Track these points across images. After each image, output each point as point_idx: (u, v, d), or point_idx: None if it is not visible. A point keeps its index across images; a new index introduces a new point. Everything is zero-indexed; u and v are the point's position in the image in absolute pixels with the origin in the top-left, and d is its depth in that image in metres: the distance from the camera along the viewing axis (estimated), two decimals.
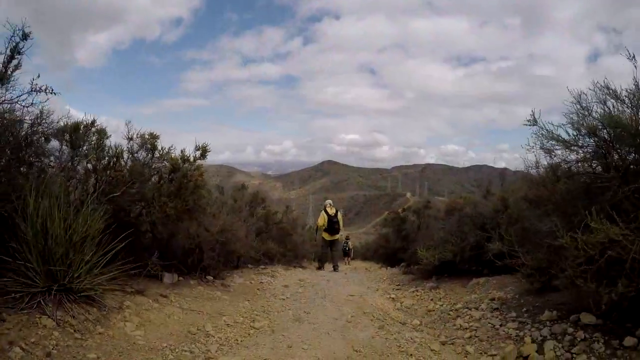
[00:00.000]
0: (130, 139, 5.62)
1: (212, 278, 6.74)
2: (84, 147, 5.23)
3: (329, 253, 10.73)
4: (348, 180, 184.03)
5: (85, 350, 3.11)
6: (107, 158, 5.20)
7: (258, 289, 6.87)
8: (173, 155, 5.50)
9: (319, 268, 10.69)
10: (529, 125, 3.72)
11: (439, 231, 8.66)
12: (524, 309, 4.56)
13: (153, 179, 5.61)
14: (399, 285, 8.52)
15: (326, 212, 10.43)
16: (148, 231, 6.10)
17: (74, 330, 3.32)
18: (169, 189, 5.37)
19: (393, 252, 12.99)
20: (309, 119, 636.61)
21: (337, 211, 10.50)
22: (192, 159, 5.56)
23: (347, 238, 20.41)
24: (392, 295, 7.12)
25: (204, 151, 5.61)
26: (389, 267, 12.18)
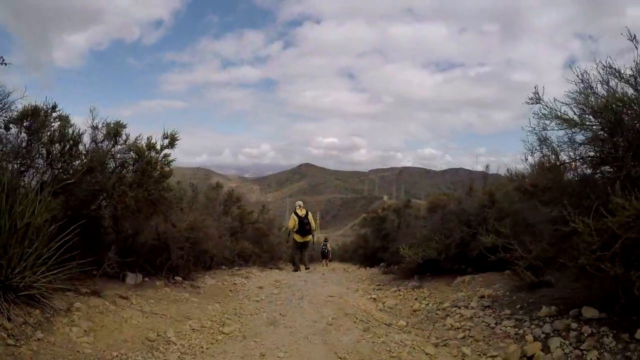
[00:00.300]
0: (95, 127, 5.08)
1: (181, 279, 6.23)
2: (44, 134, 4.70)
3: (298, 255, 10.36)
4: (325, 183, 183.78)
5: (17, 359, 2.59)
6: (63, 143, 4.65)
7: (230, 291, 6.39)
8: (139, 144, 4.97)
9: (295, 270, 10.26)
10: (532, 103, 3.41)
11: (422, 229, 8.36)
12: (518, 306, 4.25)
13: (117, 170, 5.08)
14: (379, 285, 8.16)
15: (296, 214, 10.09)
16: (110, 226, 5.56)
17: (8, 335, 2.80)
18: (132, 178, 4.85)
19: (372, 252, 12.63)
20: (288, 122, 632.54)
21: (307, 212, 10.19)
22: (159, 147, 5.04)
23: (326, 240, 20.34)
24: (374, 296, 6.75)
25: (172, 139, 5.11)
26: (368, 268, 11.84)
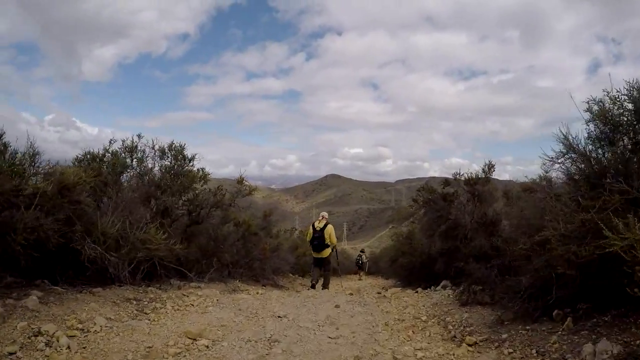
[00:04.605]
0: None
1: None
2: None
3: (315, 271, 8.26)
4: (352, 194, 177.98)
5: None
6: None
7: None
8: None
9: (312, 286, 8.07)
10: None
11: None
12: None
13: None
14: (476, 342, 3.12)
15: (313, 225, 8.26)
16: None
17: None
18: None
19: (424, 261, 7.40)
20: (313, 133, 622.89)
21: (325, 225, 8.05)
22: None
23: (362, 251, 18.30)
24: None
25: None
26: (420, 289, 6.59)
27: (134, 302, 3.93)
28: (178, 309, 3.83)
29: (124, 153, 6.25)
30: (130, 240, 3.94)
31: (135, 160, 6.51)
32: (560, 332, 3.10)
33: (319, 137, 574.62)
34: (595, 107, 3.71)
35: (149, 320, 3.40)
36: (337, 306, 4.41)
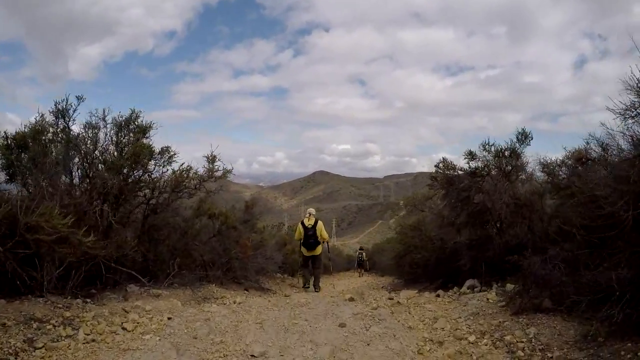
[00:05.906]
0: None
1: None
2: None
3: (307, 271, 8.07)
4: (340, 191, 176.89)
5: None
6: None
7: None
8: None
9: (304, 287, 7.98)
10: None
11: None
12: None
13: None
14: None
15: (302, 223, 7.86)
16: None
17: None
18: None
19: (441, 257, 6.03)
20: (300, 130, 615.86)
21: (316, 221, 7.76)
22: None
23: (361, 249, 18.13)
24: None
25: None
26: (440, 292, 5.22)
27: (34, 325, 2.51)
28: (93, 340, 2.42)
29: (55, 117, 4.79)
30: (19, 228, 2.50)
31: (84, 132, 5.05)
32: None
33: (307, 134, 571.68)
34: None
35: None
36: (342, 325, 3.01)
